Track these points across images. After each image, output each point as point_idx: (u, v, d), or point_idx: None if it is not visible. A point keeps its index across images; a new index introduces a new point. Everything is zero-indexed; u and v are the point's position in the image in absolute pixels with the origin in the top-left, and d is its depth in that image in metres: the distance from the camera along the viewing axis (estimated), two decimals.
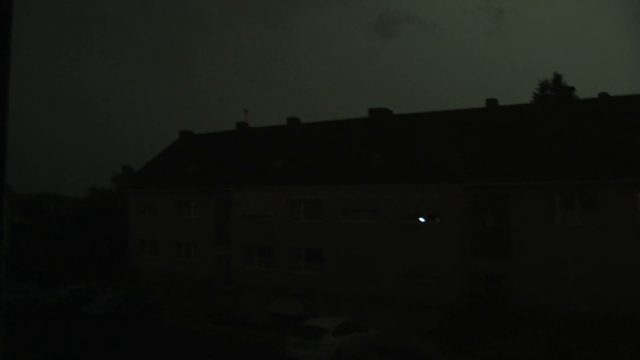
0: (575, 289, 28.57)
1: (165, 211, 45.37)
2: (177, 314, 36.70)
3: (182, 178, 45.51)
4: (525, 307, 28.37)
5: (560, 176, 29.88)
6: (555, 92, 49.19)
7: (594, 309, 26.63)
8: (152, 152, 58.85)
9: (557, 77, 49.93)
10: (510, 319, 28.28)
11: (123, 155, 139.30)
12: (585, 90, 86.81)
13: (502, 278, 30.74)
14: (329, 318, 29.11)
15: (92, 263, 44.71)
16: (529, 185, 30.55)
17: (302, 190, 37.79)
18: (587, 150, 30.53)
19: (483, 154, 33.37)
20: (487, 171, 32.19)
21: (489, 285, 30.72)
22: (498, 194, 31.48)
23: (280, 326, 32.54)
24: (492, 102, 38.87)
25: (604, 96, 35.81)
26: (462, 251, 31.86)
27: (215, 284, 40.50)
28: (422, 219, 33.71)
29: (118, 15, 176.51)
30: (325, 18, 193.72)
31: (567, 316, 26.81)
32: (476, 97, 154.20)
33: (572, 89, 49.23)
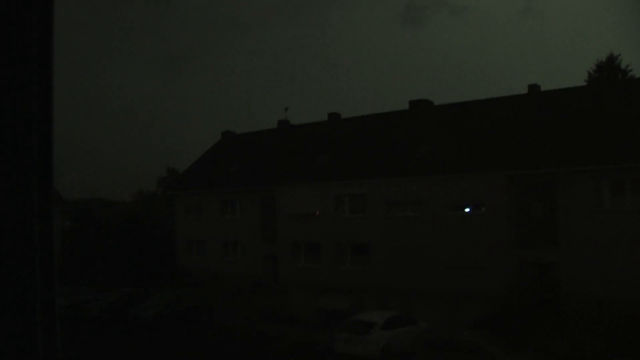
0: (626, 276, 27.88)
1: (211, 211, 45.84)
2: (226, 314, 37.03)
3: (226, 178, 45.91)
4: (575, 296, 27.88)
5: (609, 160, 29.18)
6: (608, 72, 47.72)
7: None
8: (195, 153, 59.58)
9: (612, 57, 48.53)
10: (560, 309, 27.83)
11: (167, 158, 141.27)
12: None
13: (550, 267, 30.26)
14: (377, 312, 29.08)
15: (142, 266, 45.40)
16: (575, 171, 29.93)
17: (345, 185, 37.78)
18: (637, 131, 29.72)
19: (527, 140, 32.85)
20: (531, 158, 31.69)
21: (537, 274, 30.26)
22: (543, 181, 30.98)
23: (328, 322, 32.61)
24: (533, 88, 38.30)
25: None
26: (508, 240, 31.45)
27: (263, 282, 40.77)
28: (467, 209, 33.37)
29: (151, 18, 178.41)
30: (357, 12, 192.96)
31: (619, 305, 26.23)
32: (518, 82, 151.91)
33: (624, 69, 47.79)
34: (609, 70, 47.83)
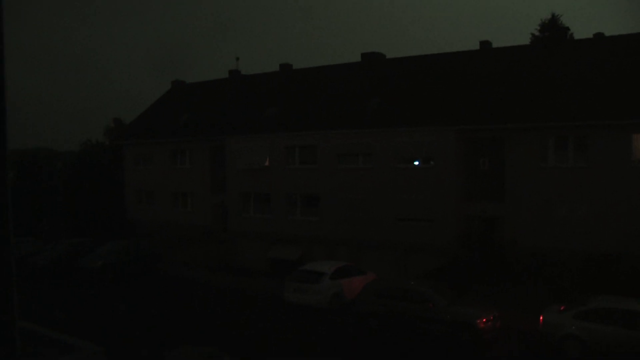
0: (567, 229, 28.97)
1: (161, 161, 45.41)
2: (176, 263, 37.16)
3: (176, 127, 45.39)
4: (519, 248, 28.77)
5: (554, 118, 29.87)
6: (552, 32, 48.47)
7: (585, 249, 27.04)
8: (145, 103, 58.56)
9: (554, 18, 49.19)
10: (504, 260, 28.70)
11: (116, 107, 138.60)
12: (581, 30, 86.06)
13: (496, 220, 31.09)
14: (326, 262, 29.49)
15: (90, 216, 44.91)
16: (522, 128, 30.54)
17: (296, 136, 37.78)
18: (581, 91, 30.44)
19: (477, 96, 33.30)
20: (481, 114, 32.17)
21: (483, 227, 31.06)
22: (491, 136, 31.55)
23: (279, 272, 32.98)
24: (485, 44, 38.62)
25: (599, 36, 35.51)
26: (456, 194, 32.09)
27: (213, 232, 40.84)
28: (416, 163, 33.80)
29: None
30: None
31: (560, 255, 27.24)
32: (470, 40, 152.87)
33: (567, 29, 48.63)
34: (552, 30, 48.46)
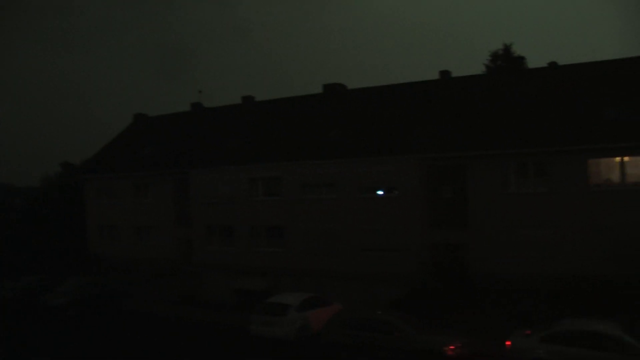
0: (531, 253, 29.46)
1: (123, 195, 44.93)
2: (141, 299, 36.61)
3: (138, 161, 45.07)
4: (483, 274, 29.09)
5: (514, 145, 30.49)
6: (505, 62, 49.66)
7: (549, 272, 27.49)
8: (107, 136, 58.06)
9: (507, 47, 50.44)
10: (470, 287, 28.96)
11: (77, 142, 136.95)
12: (535, 59, 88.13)
13: (460, 247, 31.42)
14: (292, 294, 29.32)
15: (51, 252, 44.10)
16: (482, 155, 31.10)
17: (259, 168, 37.82)
18: (539, 118, 31.23)
19: (438, 125, 33.81)
20: (442, 142, 32.63)
21: (448, 255, 31.36)
22: (454, 164, 32.01)
23: (246, 305, 32.72)
24: (445, 74, 39.34)
25: (553, 65, 36.53)
26: (421, 222, 32.36)
27: (178, 267, 40.41)
28: (379, 192, 34.06)
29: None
30: None
31: (524, 280, 27.65)
32: (429, 70, 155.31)
33: (522, 58, 49.87)
34: (505, 60, 49.72)
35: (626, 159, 28.48)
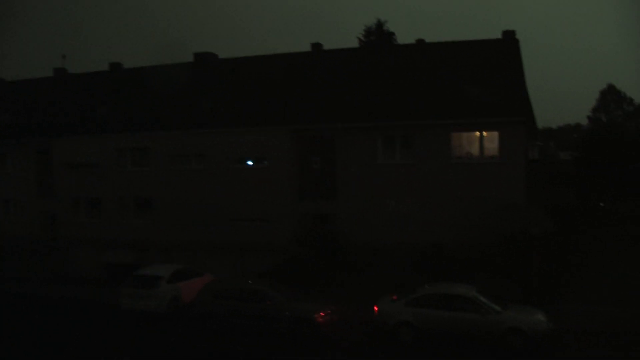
0: (397, 222, 30.76)
1: None
2: (5, 277, 34.64)
3: None
4: (351, 243, 29.93)
5: (381, 118, 31.49)
6: (378, 38, 50.80)
7: (414, 240, 28.71)
8: None
9: (380, 23, 51.53)
10: (338, 256, 29.74)
11: None
12: (405, 36, 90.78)
13: (330, 217, 32.16)
14: (163, 265, 28.93)
15: None
16: (352, 127, 31.86)
17: (127, 137, 36.76)
18: (406, 93, 32.45)
19: (309, 97, 34.21)
20: (312, 114, 33.08)
21: (318, 225, 32.02)
22: (323, 136, 32.58)
23: (116, 279, 31.85)
24: (317, 46, 39.69)
25: (421, 42, 37.83)
26: (291, 193, 32.78)
27: (41, 241, 38.62)
28: (249, 163, 34.09)
29: None
30: None
31: (391, 248, 28.78)
32: (302, 42, 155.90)
33: (392, 34, 51.25)
34: (378, 35, 50.99)
35: (485, 133, 30.17)
